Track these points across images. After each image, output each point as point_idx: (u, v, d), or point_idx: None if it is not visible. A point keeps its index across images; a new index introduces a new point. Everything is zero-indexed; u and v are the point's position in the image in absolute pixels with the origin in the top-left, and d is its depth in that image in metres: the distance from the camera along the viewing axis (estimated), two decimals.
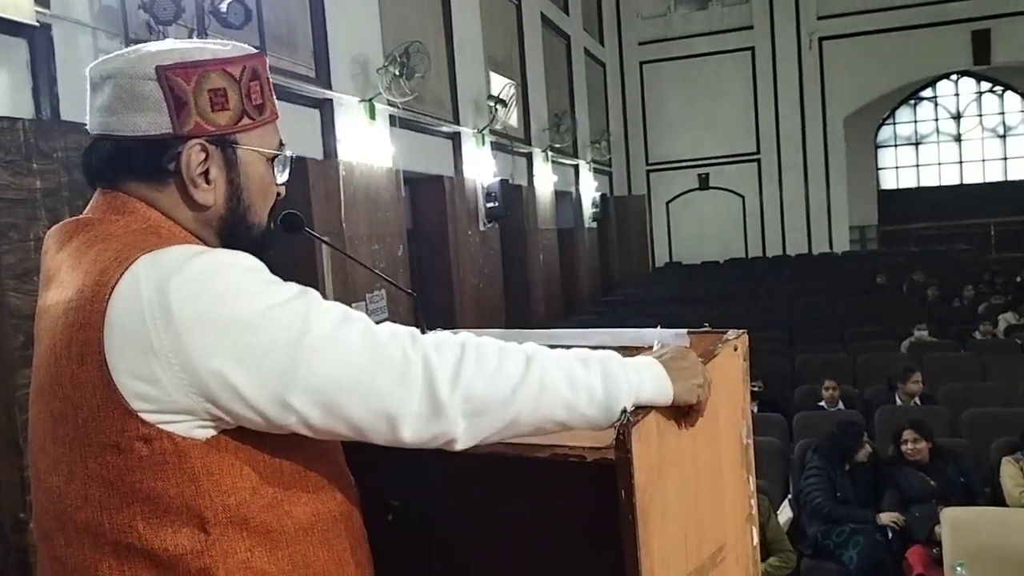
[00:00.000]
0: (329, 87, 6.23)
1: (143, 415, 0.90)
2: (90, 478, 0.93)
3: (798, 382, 6.71)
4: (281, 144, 1.10)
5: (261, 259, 0.98)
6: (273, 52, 5.55)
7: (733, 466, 1.17)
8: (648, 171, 17.48)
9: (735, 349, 1.20)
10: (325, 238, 1.33)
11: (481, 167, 9.15)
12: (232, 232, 1.06)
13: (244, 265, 0.94)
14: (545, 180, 11.64)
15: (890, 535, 4.31)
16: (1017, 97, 19.67)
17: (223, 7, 4.49)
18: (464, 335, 0.98)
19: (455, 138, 8.78)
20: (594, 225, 14.35)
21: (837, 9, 16.46)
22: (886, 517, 4.32)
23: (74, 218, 1.05)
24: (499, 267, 9.65)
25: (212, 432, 0.93)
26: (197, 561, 0.92)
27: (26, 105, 3.70)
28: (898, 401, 5.62)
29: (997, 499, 4.33)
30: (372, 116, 6.76)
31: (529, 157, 11.21)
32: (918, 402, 5.58)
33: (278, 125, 1.11)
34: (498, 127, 9.68)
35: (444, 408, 0.92)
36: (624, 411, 0.95)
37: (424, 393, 0.92)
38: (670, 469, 0.99)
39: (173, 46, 1.03)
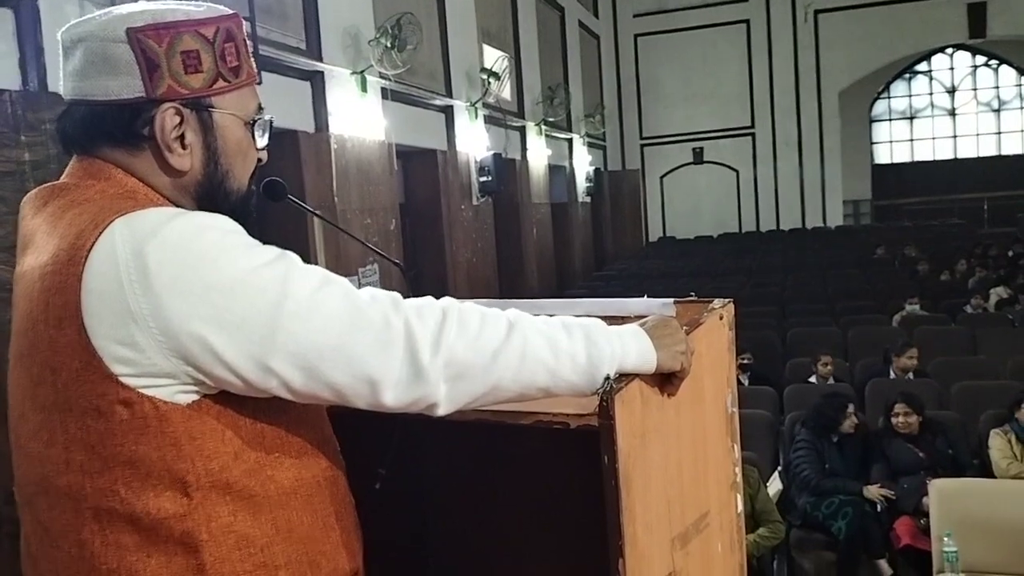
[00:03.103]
0: (320, 59, 6.17)
1: (123, 379, 0.90)
2: (71, 442, 0.93)
3: (789, 356, 6.74)
4: (260, 108, 1.09)
5: (242, 225, 0.97)
6: (263, 23, 5.48)
7: (718, 434, 1.17)
8: (642, 145, 17.42)
9: (721, 318, 1.19)
10: (308, 206, 1.31)
11: (474, 141, 9.11)
12: (211, 197, 1.04)
13: (223, 228, 0.93)
14: (539, 154, 11.59)
15: (879, 506, 4.35)
16: (1012, 71, 19.62)
17: None
18: (446, 300, 0.98)
19: (448, 111, 8.73)
20: (588, 200, 14.32)
21: None
22: (874, 490, 4.36)
23: (50, 184, 1.04)
24: (492, 241, 9.64)
25: (194, 396, 0.93)
26: (180, 525, 0.92)
27: (12, 76, 3.66)
28: (892, 375, 5.65)
29: (985, 471, 4.37)
30: (364, 89, 6.71)
31: (523, 131, 11.16)
32: (911, 376, 5.61)
33: (256, 89, 1.09)
34: (491, 100, 9.62)
35: (425, 372, 0.92)
36: (608, 378, 0.95)
37: (405, 357, 0.92)
38: (653, 436, 0.99)
39: (145, 7, 1.01)
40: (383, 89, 7.19)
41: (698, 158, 17.23)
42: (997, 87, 19.97)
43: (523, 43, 11.34)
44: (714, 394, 1.16)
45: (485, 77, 9.41)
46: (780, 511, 4.20)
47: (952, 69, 20.09)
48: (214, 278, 0.89)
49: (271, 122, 1.11)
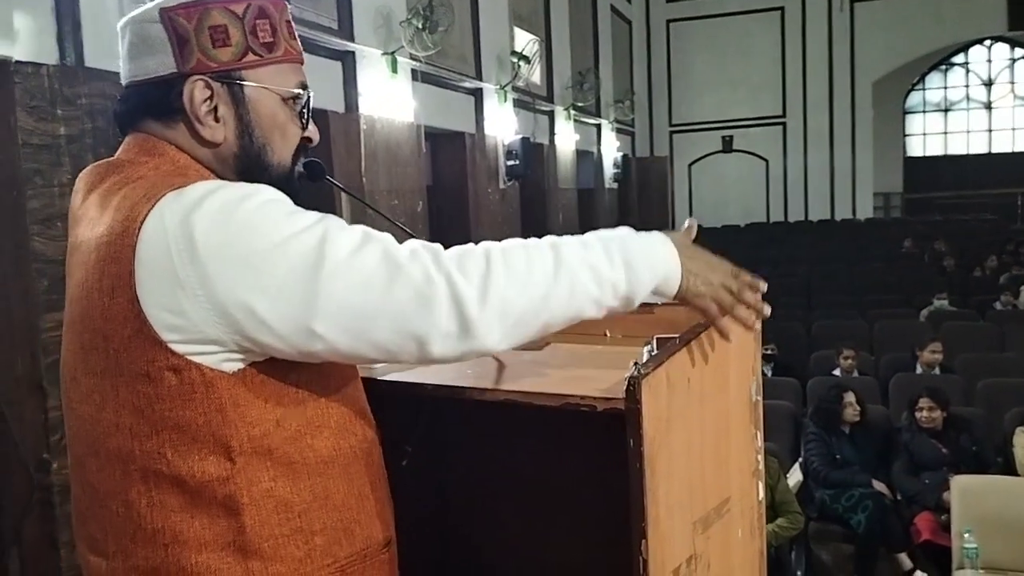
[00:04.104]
0: (351, 39, 6.20)
1: (172, 346, 0.93)
2: (121, 406, 0.96)
3: (815, 347, 6.71)
4: (304, 87, 1.11)
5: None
6: (296, 3, 5.52)
7: (741, 422, 1.19)
8: (671, 132, 17.31)
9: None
10: (345, 187, 1.34)
11: (503, 124, 9.10)
12: (250, 170, 1.07)
13: (264, 197, 0.96)
14: (567, 139, 11.56)
15: (899, 500, 4.34)
16: None
17: None
18: (488, 244, 0.99)
19: (477, 94, 8.72)
20: (615, 186, 14.26)
21: None
22: (879, 486, 4.36)
23: (105, 160, 1.09)
24: (518, 226, 9.64)
25: (240, 364, 0.96)
26: (223, 488, 0.96)
27: (50, 51, 3.71)
28: (918, 369, 5.62)
29: (1009, 469, 4.34)
30: (394, 70, 6.73)
31: (551, 115, 11.13)
32: (937, 372, 5.57)
33: (300, 68, 1.12)
34: (521, 84, 9.60)
35: (473, 324, 0.94)
36: (635, 363, 0.97)
37: (451, 312, 0.93)
38: (678, 422, 1.01)
39: None
40: (413, 71, 7.21)
41: (727, 146, 17.09)
42: None
43: (554, 27, 11.29)
44: (739, 381, 1.18)
45: (515, 60, 9.38)
46: (800, 503, 4.21)
47: (990, 62, 19.72)
48: (255, 244, 0.92)
49: (310, 99, 1.13)
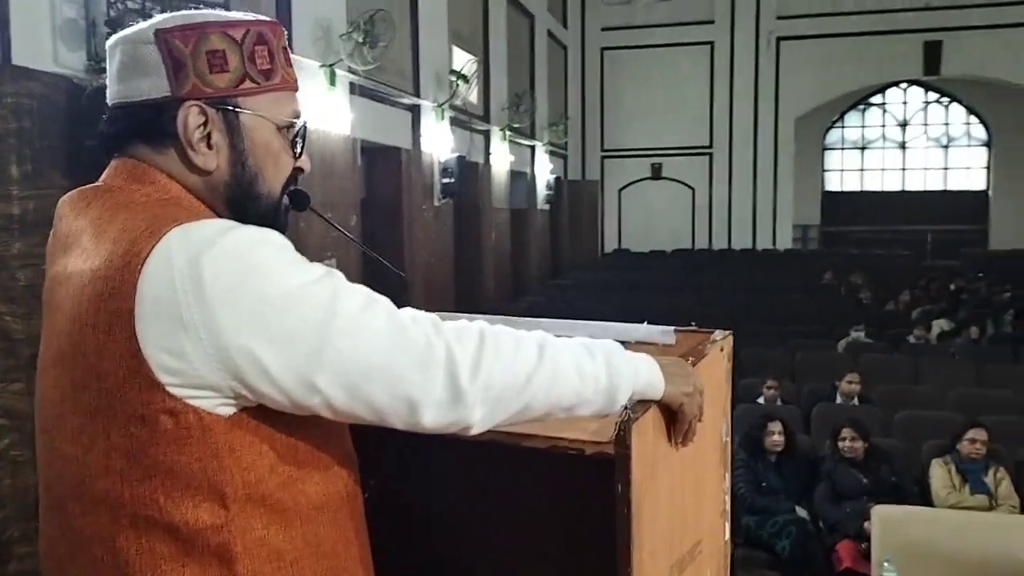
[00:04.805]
0: (290, 50, 6.11)
1: (170, 388, 0.89)
2: (112, 448, 0.92)
3: (740, 375, 6.85)
4: (296, 115, 1.08)
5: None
6: (235, 8, 5.41)
7: (713, 464, 1.20)
8: (603, 157, 17.58)
9: (721, 350, 1.22)
10: (329, 217, 1.31)
11: (439, 142, 9.09)
12: (240, 200, 1.04)
13: (275, 243, 0.93)
14: (502, 159, 11.61)
15: (821, 527, 4.46)
16: (962, 109, 20.26)
17: None
18: (481, 323, 0.99)
19: (415, 111, 8.70)
20: (547, 207, 14.38)
21: (796, 10, 16.70)
22: (802, 513, 4.50)
23: (91, 185, 1.04)
24: (451, 243, 9.62)
25: (234, 409, 0.93)
26: (216, 536, 0.92)
27: None
28: (838, 399, 5.79)
29: (925, 499, 4.50)
30: (332, 82, 6.66)
31: (487, 135, 11.17)
32: (856, 402, 5.75)
33: (295, 97, 1.09)
34: (458, 103, 9.61)
35: (464, 395, 0.93)
36: (626, 407, 0.97)
37: (446, 380, 0.92)
38: (662, 466, 1.01)
39: (179, 13, 1.02)
40: (351, 84, 7.15)
41: (656, 173, 17.44)
42: (947, 124, 20.62)
43: (493, 48, 11.36)
44: (712, 424, 1.19)
45: (454, 79, 9.40)
46: None
47: (905, 103, 20.67)
48: (266, 292, 0.89)
49: (306, 129, 1.10)
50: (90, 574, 0.95)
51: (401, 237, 8.24)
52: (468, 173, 9.59)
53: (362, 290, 0.95)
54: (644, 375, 1.03)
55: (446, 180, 9.12)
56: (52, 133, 3.96)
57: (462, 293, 9.87)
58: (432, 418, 0.93)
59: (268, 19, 1.06)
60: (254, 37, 1.02)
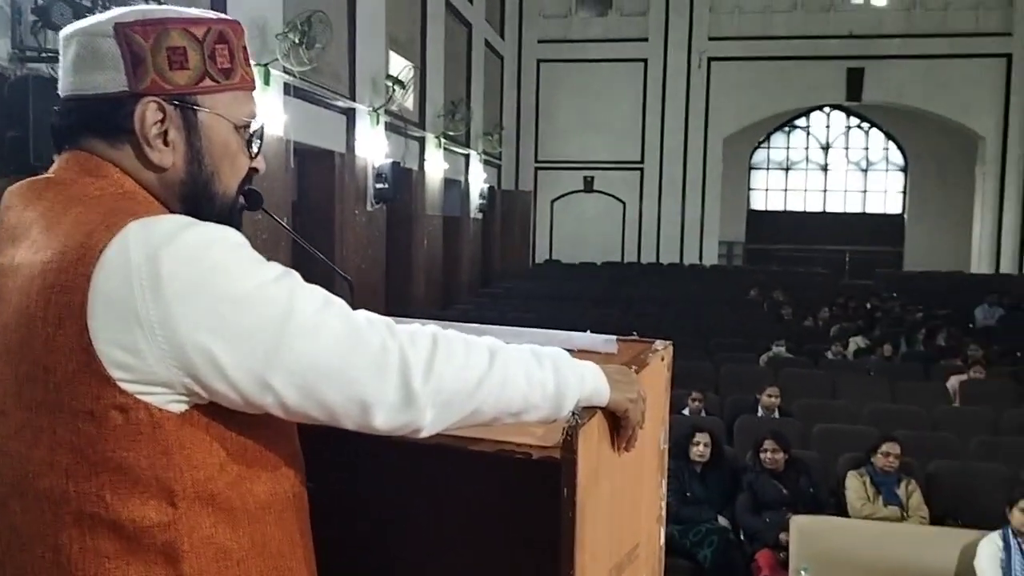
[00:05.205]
0: None
1: (121, 384, 0.87)
2: (58, 444, 0.89)
3: None
4: (253, 115, 1.08)
5: None
6: (170, 2, 5.30)
7: (651, 470, 1.23)
8: (536, 168, 17.73)
9: (662, 359, 1.25)
10: (282, 220, 1.30)
11: (373, 146, 9.04)
12: (195, 198, 1.03)
13: (233, 241, 0.92)
14: (436, 166, 11.61)
15: (742, 537, 4.56)
16: (881, 135, 21.10)
17: None
18: (433, 327, 1.00)
19: (349, 114, 8.64)
20: (480, 216, 14.43)
21: (727, 32, 17.18)
22: (723, 523, 4.61)
23: (41, 176, 1.01)
24: (383, 249, 9.57)
25: (185, 407, 0.91)
26: (163, 534, 0.90)
27: None
28: (759, 412, 5.94)
29: (841, 509, 4.65)
30: (267, 82, 6.57)
31: (422, 142, 11.15)
32: (776, 415, 5.91)
33: (252, 96, 1.08)
34: (394, 108, 9.59)
35: (416, 398, 0.93)
36: (573, 413, 0.99)
37: (399, 382, 0.93)
38: (604, 470, 1.03)
39: (139, 8, 1.01)
40: (286, 84, 7.07)
41: (588, 186, 17.67)
42: (867, 148, 21.44)
43: (430, 55, 11.36)
44: (651, 432, 1.21)
45: (390, 84, 9.37)
46: None
47: (828, 127, 21.43)
48: (224, 290, 0.88)
49: (263, 129, 1.10)
50: (30, 573, 0.93)
51: (333, 241, 8.16)
52: (402, 179, 9.56)
53: (319, 291, 0.95)
54: (590, 382, 1.05)
55: (379, 185, 9.08)
56: None
57: (393, 299, 9.81)
58: (384, 420, 0.93)
59: (229, 18, 1.05)
60: (215, 35, 1.01)
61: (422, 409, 0.94)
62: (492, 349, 1.00)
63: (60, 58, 1.02)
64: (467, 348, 0.98)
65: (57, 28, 3.96)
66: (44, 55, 4.03)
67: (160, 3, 4.48)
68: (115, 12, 0.99)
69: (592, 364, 1.07)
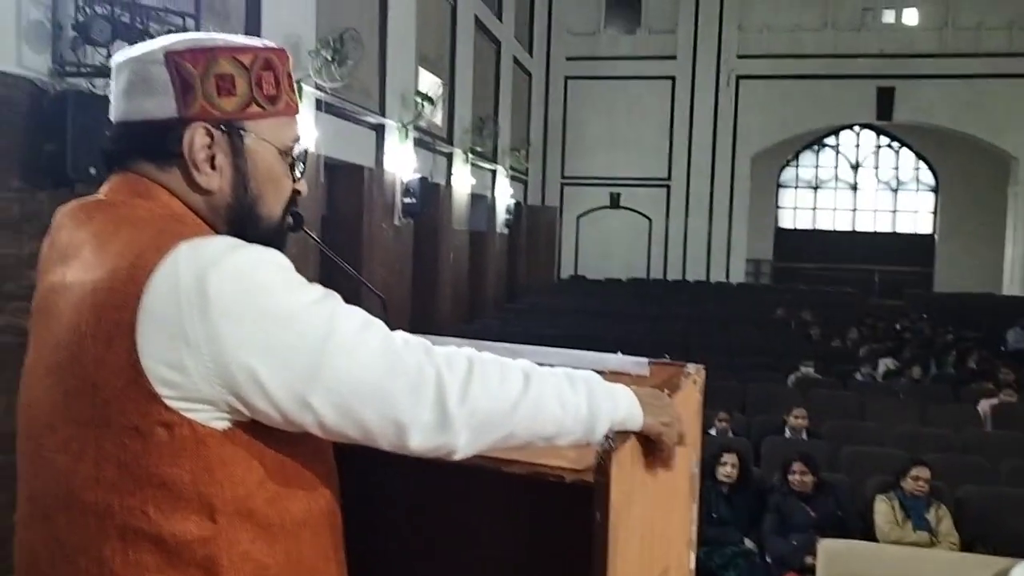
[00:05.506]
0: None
1: (167, 401, 0.90)
2: (104, 459, 0.92)
3: None
4: (297, 140, 1.10)
5: None
6: (205, 20, 5.39)
7: (683, 494, 1.22)
8: (563, 184, 17.76)
9: (694, 383, 1.25)
10: (317, 239, 1.33)
11: (402, 162, 9.11)
12: (241, 221, 1.05)
13: (278, 263, 0.95)
14: (463, 181, 11.67)
15: (768, 560, 4.51)
16: (911, 155, 20.90)
17: None
18: (469, 350, 1.01)
19: (379, 130, 8.72)
20: (506, 231, 14.46)
21: (757, 51, 17.14)
22: (750, 545, 4.56)
23: (92, 197, 1.04)
24: (409, 263, 9.62)
25: (228, 424, 0.93)
26: (203, 549, 0.92)
27: None
28: (787, 433, 5.89)
29: (869, 533, 4.59)
30: (299, 98, 6.65)
31: (450, 157, 11.22)
32: (804, 436, 5.86)
33: (296, 121, 1.10)
34: (422, 124, 9.65)
35: (452, 420, 0.95)
36: (608, 437, 0.99)
37: (435, 405, 0.94)
38: (637, 494, 1.03)
39: (189, 36, 1.04)
40: (317, 100, 7.14)
41: (614, 203, 17.66)
42: (897, 168, 21.25)
43: (459, 72, 11.44)
44: (682, 456, 1.21)
45: (419, 100, 9.44)
46: None
47: (858, 146, 21.27)
48: (268, 310, 0.91)
49: (306, 153, 1.12)
50: None
51: (360, 255, 8.21)
52: (429, 194, 9.62)
53: (359, 312, 0.97)
54: (624, 407, 1.06)
55: (407, 200, 9.13)
56: (10, 136, 3.90)
57: (418, 313, 9.85)
58: (419, 441, 0.95)
59: (275, 45, 1.08)
60: (262, 63, 1.04)
61: (457, 432, 0.95)
62: (527, 373, 1.01)
63: (112, 85, 1.05)
64: (502, 372, 0.99)
65: (96, 44, 4.05)
66: (83, 70, 4.11)
67: (195, 27, 4.56)
68: (166, 40, 1.03)
69: (625, 388, 1.08)
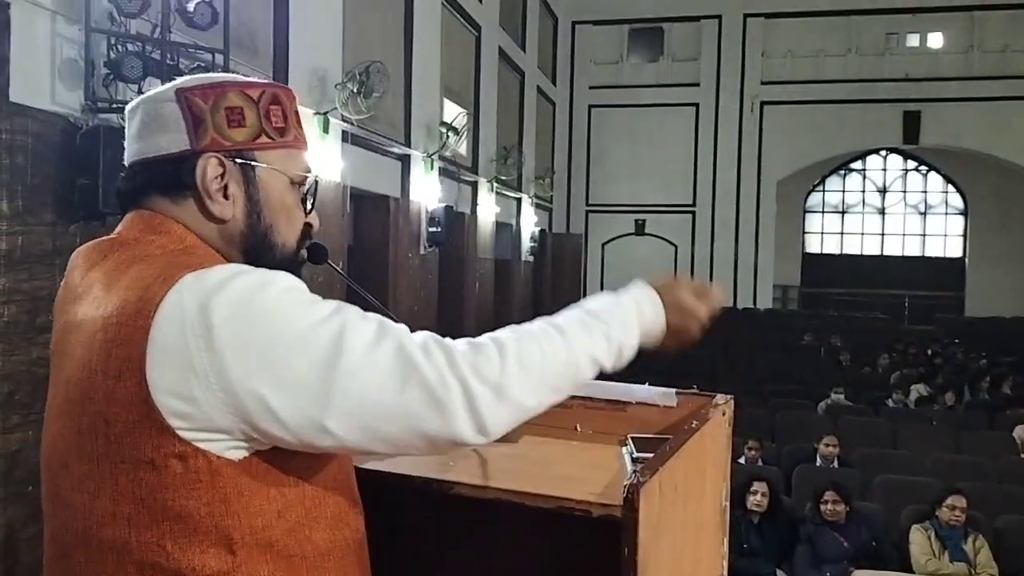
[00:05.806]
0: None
1: (180, 432, 0.90)
2: (120, 495, 0.92)
3: None
4: (308, 171, 1.11)
5: None
6: (234, 56, 5.48)
7: (712, 528, 1.20)
8: (587, 211, 17.77)
9: (723, 414, 1.24)
10: (342, 271, 1.33)
11: (427, 191, 9.16)
12: (256, 250, 1.06)
13: (283, 285, 0.94)
14: (488, 210, 11.71)
15: None
16: (940, 178, 20.70)
17: (190, 7, 4.44)
18: (502, 336, 1.02)
19: (404, 160, 8.79)
20: (531, 259, 14.47)
21: (780, 76, 17.12)
22: (780, 575, 4.49)
23: (107, 237, 1.06)
24: (435, 292, 9.64)
25: (244, 453, 0.93)
26: None
27: None
28: (818, 461, 5.80)
29: (905, 565, 4.49)
30: (325, 130, 6.73)
31: (475, 186, 11.27)
32: (835, 464, 5.77)
33: (305, 155, 1.12)
34: (447, 154, 9.72)
35: (489, 425, 0.95)
36: (635, 471, 0.98)
37: (467, 417, 0.93)
38: (665, 527, 1.02)
39: (199, 75, 1.07)
40: (344, 132, 7.22)
41: (640, 230, 17.63)
42: (925, 192, 21.04)
43: (483, 102, 11.53)
44: (713, 487, 1.20)
45: (444, 131, 9.51)
46: None
47: (885, 170, 21.11)
48: (273, 335, 0.90)
49: (316, 186, 1.13)
50: None
51: (386, 284, 8.25)
52: (454, 223, 9.66)
53: (373, 323, 0.95)
54: (636, 330, 1.13)
55: (432, 229, 9.18)
56: (45, 171, 3.97)
57: None
58: (451, 446, 0.96)
59: (281, 84, 1.11)
60: (269, 97, 1.07)
61: (496, 431, 0.96)
62: (568, 356, 1.03)
63: (126, 128, 1.08)
64: (542, 358, 1.01)
65: (128, 80, 4.13)
66: (115, 106, 4.19)
67: (224, 63, 4.64)
68: (178, 80, 1.06)
69: (638, 304, 1.16)
